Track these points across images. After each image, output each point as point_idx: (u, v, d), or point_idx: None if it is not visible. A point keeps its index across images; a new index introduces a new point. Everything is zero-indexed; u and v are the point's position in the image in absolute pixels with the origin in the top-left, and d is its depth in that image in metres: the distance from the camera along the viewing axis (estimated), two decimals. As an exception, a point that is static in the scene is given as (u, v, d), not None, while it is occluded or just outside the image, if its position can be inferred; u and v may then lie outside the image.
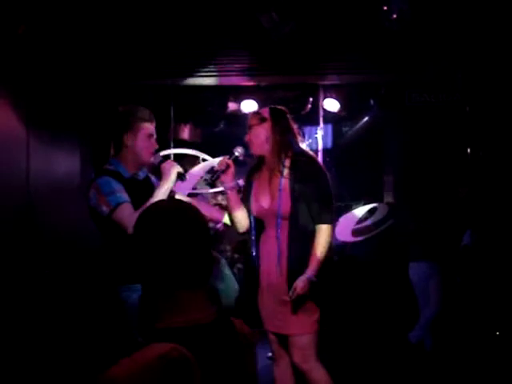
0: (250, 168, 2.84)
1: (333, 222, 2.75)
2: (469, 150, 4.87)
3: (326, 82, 5.33)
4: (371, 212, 5.27)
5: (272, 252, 2.66)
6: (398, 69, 4.64)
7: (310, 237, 2.61)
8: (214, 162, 5.13)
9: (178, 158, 5.35)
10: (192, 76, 4.76)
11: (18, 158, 3.36)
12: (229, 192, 2.74)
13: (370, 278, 5.18)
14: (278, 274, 2.64)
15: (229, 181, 2.72)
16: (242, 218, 2.77)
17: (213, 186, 2.72)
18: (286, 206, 2.62)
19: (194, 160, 5.13)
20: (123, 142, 2.62)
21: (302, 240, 2.62)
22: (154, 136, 2.69)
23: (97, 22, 4.04)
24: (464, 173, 4.92)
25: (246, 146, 2.79)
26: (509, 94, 4.36)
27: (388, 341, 4.78)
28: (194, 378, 1.05)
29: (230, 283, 2.93)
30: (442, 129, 5.33)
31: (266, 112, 2.74)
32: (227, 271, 3.00)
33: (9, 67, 3.24)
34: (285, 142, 2.68)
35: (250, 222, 2.79)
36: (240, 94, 5.77)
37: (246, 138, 2.75)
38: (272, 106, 2.78)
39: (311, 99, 5.77)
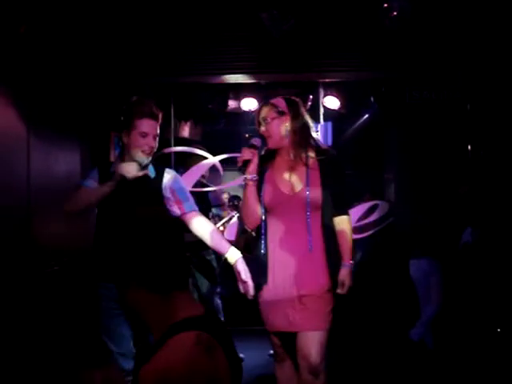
0: (260, 159, 2.66)
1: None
2: (469, 148, 4.87)
3: (326, 80, 5.32)
4: (372, 210, 5.26)
5: (299, 245, 2.56)
6: (399, 66, 4.63)
7: (333, 228, 2.61)
8: (214, 160, 5.12)
9: (179, 157, 5.36)
10: (192, 74, 4.75)
11: (19, 157, 3.35)
12: (250, 184, 2.59)
13: (371, 275, 5.18)
14: (309, 268, 2.54)
15: (252, 172, 2.58)
16: (255, 213, 2.62)
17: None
18: (317, 196, 2.55)
19: (195, 158, 5.12)
20: (122, 140, 2.58)
21: (333, 231, 2.60)
22: (152, 134, 2.57)
23: (97, 20, 4.03)
24: (464, 170, 4.91)
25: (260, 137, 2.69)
26: (509, 91, 4.35)
27: (389, 338, 4.78)
28: (222, 355, 1.18)
29: None
30: (442, 126, 5.32)
31: (282, 104, 2.64)
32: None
33: (10, 66, 3.24)
34: (306, 133, 2.64)
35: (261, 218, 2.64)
36: (240, 91, 5.77)
37: (262, 131, 2.64)
38: (287, 97, 2.69)
39: (311, 97, 5.76)
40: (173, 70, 4.71)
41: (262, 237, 2.61)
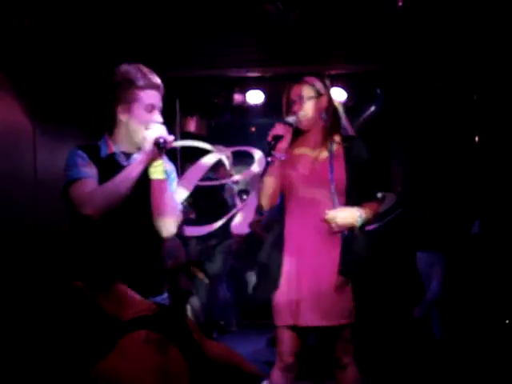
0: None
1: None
2: (477, 139, 4.84)
3: (332, 72, 5.30)
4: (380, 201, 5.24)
5: (317, 231, 2.39)
6: (405, 57, 4.60)
7: None
8: (221, 153, 5.12)
9: (186, 151, 5.36)
10: (197, 68, 4.74)
11: (25, 152, 3.36)
12: (277, 163, 2.41)
13: (378, 267, 5.17)
14: (328, 256, 2.39)
15: (282, 150, 2.39)
16: (274, 194, 2.47)
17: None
18: (339, 182, 2.42)
19: (202, 153, 5.12)
20: (116, 118, 2.13)
21: None
22: (159, 107, 2.15)
23: (101, 15, 4.02)
24: (472, 161, 4.89)
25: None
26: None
27: (396, 329, 4.78)
28: (175, 352, 1.16)
29: None
30: (449, 117, 5.29)
31: (318, 84, 2.49)
32: None
33: (14, 61, 3.24)
34: (338, 118, 2.53)
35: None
36: (246, 85, 5.75)
37: (295, 110, 2.46)
38: (320, 78, 2.54)
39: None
40: (178, 64, 4.71)
41: (281, 220, 2.48)
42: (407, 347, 4.34)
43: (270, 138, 2.37)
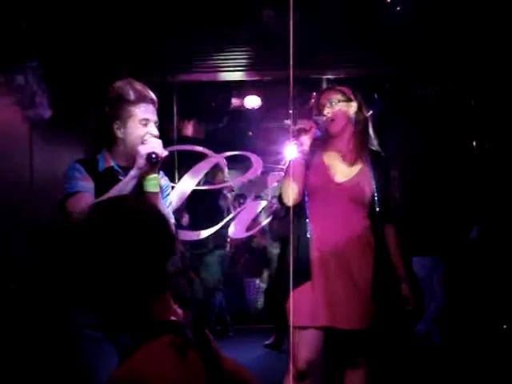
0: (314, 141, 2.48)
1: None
2: (474, 144, 4.84)
3: (329, 76, 5.30)
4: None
5: (337, 235, 2.39)
6: (403, 62, 4.60)
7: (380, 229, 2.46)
8: (218, 157, 5.10)
9: (183, 155, 5.34)
10: (195, 72, 4.74)
11: (21, 154, 3.35)
12: (299, 156, 2.43)
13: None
14: (366, 263, 2.41)
15: (305, 144, 2.42)
16: (295, 190, 2.44)
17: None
18: (364, 191, 2.42)
19: (199, 157, 5.10)
20: (114, 134, 2.15)
21: (379, 232, 2.46)
22: (153, 120, 2.15)
23: (100, 17, 4.02)
24: (469, 166, 4.89)
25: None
26: (514, 86, 4.33)
27: (394, 334, 4.76)
28: (196, 358, 1.15)
29: None
30: (447, 122, 5.29)
31: (348, 91, 2.51)
32: None
33: (12, 63, 3.23)
34: (367, 128, 2.52)
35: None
36: (243, 89, 5.76)
37: (325, 113, 2.46)
38: (350, 87, 2.56)
39: (315, 93, 5.73)
40: (175, 68, 4.70)
41: (306, 219, 2.45)
42: (406, 354, 4.33)
43: (294, 132, 2.42)
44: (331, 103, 2.47)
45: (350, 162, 2.46)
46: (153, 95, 2.20)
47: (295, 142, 2.44)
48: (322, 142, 2.50)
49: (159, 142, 2.12)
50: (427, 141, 5.56)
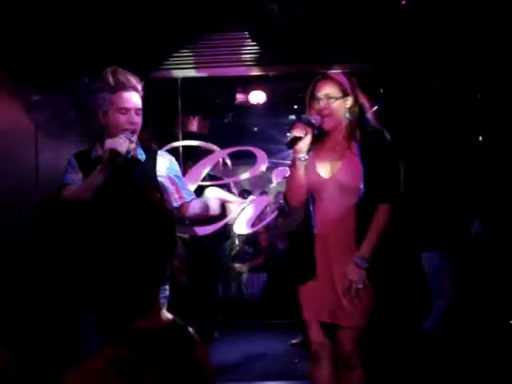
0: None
1: (398, 203, 2.40)
2: (480, 138, 4.82)
3: (334, 71, 5.27)
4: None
5: (338, 231, 2.37)
6: (408, 56, 4.58)
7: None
8: (221, 154, 5.10)
9: (188, 151, 5.34)
10: (199, 67, 4.73)
11: (27, 153, 3.36)
12: (297, 164, 2.41)
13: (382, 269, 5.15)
14: (343, 258, 2.36)
15: (301, 151, 2.38)
16: (300, 193, 2.46)
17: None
18: (351, 181, 2.36)
19: (204, 152, 5.10)
20: (100, 123, 2.21)
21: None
22: (134, 108, 2.17)
23: (103, 13, 4.02)
24: (476, 161, 4.86)
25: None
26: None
27: (402, 330, 4.75)
28: (146, 376, 1.04)
29: None
30: (453, 116, 5.26)
31: (345, 82, 2.44)
32: None
33: (17, 62, 3.23)
34: (361, 117, 2.44)
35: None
36: (248, 84, 5.74)
37: (320, 108, 2.40)
38: (346, 75, 2.49)
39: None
40: (180, 64, 4.69)
41: (311, 216, 2.44)
42: (411, 348, 4.32)
43: (287, 141, 2.39)
44: (328, 98, 2.41)
45: (338, 154, 2.42)
46: (135, 82, 2.21)
47: (291, 150, 2.40)
48: (316, 138, 2.45)
49: (124, 139, 2.13)
50: (433, 135, 5.53)
